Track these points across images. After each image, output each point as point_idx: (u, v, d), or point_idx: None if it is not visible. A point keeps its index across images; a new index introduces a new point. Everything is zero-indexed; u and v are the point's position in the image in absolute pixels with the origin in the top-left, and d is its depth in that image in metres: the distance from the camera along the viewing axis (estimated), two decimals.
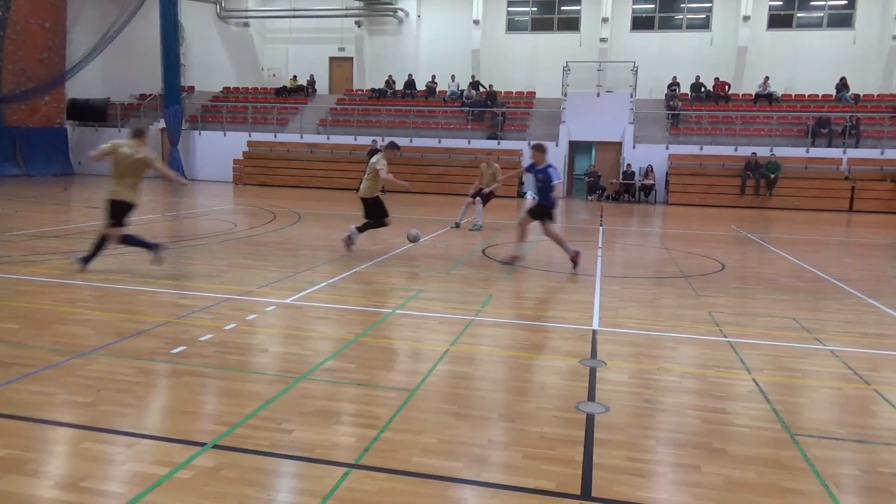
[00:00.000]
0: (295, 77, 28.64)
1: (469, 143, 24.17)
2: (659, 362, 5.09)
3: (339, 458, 3.31)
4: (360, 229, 9.41)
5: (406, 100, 26.69)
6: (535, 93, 26.91)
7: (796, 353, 5.38)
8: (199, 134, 26.23)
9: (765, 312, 6.77)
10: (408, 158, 23.21)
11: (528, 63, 27.71)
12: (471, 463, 3.33)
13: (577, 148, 25.74)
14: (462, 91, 26.31)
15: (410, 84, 27.15)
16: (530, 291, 7.64)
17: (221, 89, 28.84)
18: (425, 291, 7.24)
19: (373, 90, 27.40)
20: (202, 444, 3.37)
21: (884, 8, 25.19)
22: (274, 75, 29.84)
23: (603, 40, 26.78)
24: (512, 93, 26.88)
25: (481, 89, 26.12)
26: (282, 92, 27.88)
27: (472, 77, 26.81)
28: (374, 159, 9.25)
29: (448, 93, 26.52)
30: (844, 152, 21.79)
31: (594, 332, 5.80)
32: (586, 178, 24.36)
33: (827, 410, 4.24)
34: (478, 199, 13.00)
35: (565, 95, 23.88)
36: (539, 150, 8.93)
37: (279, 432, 3.57)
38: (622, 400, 4.24)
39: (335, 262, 8.71)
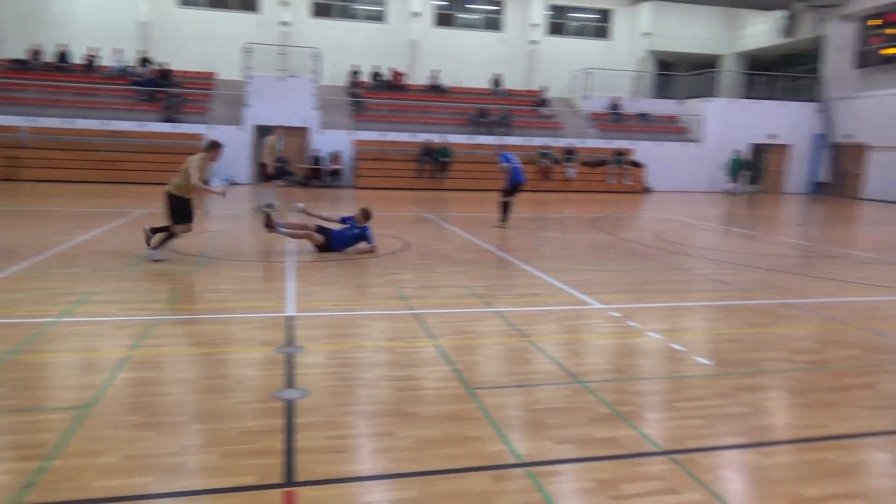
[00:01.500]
0: None
1: (141, 125, 21.90)
2: (353, 340, 5.30)
3: None
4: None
5: (59, 74, 23.07)
6: (215, 74, 25.54)
7: (471, 318, 6.06)
8: None
9: (444, 284, 7.49)
10: (64, 142, 20.22)
11: (206, 41, 26.16)
12: (162, 475, 3.07)
13: (263, 133, 25.16)
14: (129, 67, 23.72)
15: (64, 56, 23.55)
16: (220, 283, 7.29)
17: None
18: (97, 293, 6.41)
19: (12, 61, 23.13)
20: None
21: (523, 15, 29.61)
22: None
23: (284, 24, 26.54)
24: (189, 72, 25.11)
25: (151, 66, 23.86)
26: None
27: (140, 52, 24.34)
28: (190, 158, 8.00)
29: (112, 68, 23.67)
30: (499, 139, 25.06)
31: (290, 318, 5.78)
32: (276, 164, 24.00)
33: (496, 364, 4.87)
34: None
35: (249, 78, 23.12)
36: (366, 216, 9.44)
37: None
38: (321, 381, 4.31)
39: None
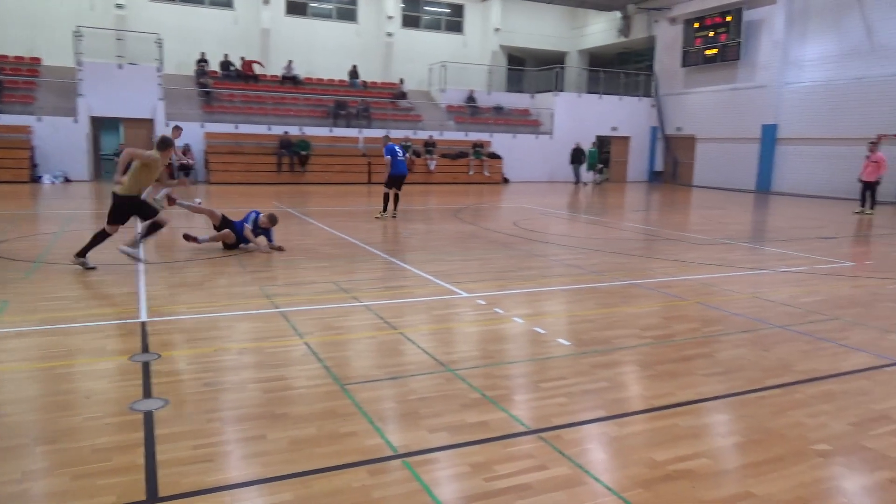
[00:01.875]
0: None
1: None
2: (216, 343, 5.05)
3: None
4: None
5: None
6: (40, 59, 23.15)
7: (339, 313, 5.98)
8: None
9: (309, 280, 7.33)
10: None
11: (29, 24, 23.61)
12: None
13: (102, 125, 23.18)
14: None
15: None
16: (61, 290, 6.64)
17: None
18: None
19: None
20: None
21: (378, 7, 29.50)
22: None
23: (119, 6, 24.55)
24: (8, 57, 22.57)
25: None
26: None
27: None
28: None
29: None
30: (360, 132, 24.89)
31: (143, 324, 5.40)
32: (115, 159, 22.23)
33: (367, 358, 4.85)
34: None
35: (80, 65, 21.14)
36: (273, 221, 9.19)
37: None
38: (182, 389, 4.07)
39: None
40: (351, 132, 24.78)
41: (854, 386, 4.43)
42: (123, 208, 7.48)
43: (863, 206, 16.70)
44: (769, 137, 24.60)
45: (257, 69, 25.83)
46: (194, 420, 3.62)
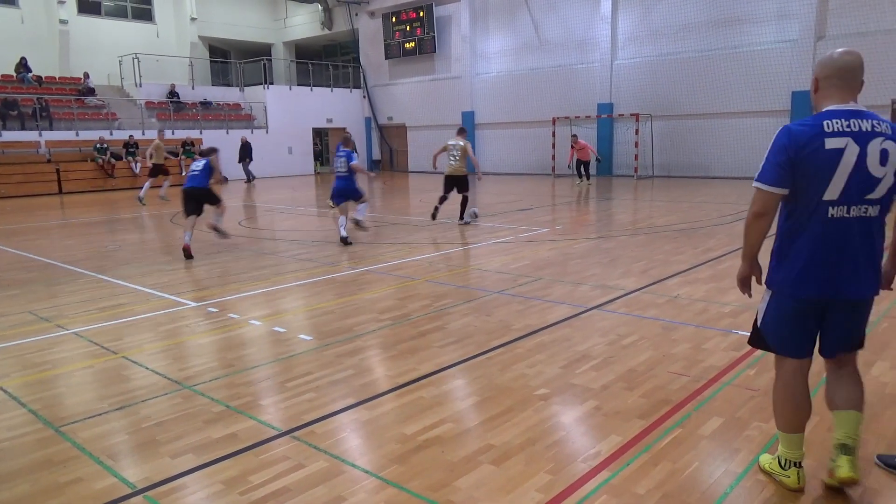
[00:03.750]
0: None
1: None
2: None
3: None
4: None
5: None
6: None
7: (41, 346, 5.16)
8: None
9: None
10: None
11: None
12: None
13: None
14: None
15: None
16: None
17: None
18: None
19: None
20: None
21: None
22: None
23: None
24: None
25: None
26: None
27: None
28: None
29: None
30: (41, 135, 21.53)
31: None
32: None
33: (85, 391, 4.26)
34: None
35: None
36: None
37: None
38: None
39: None
40: (29, 135, 21.30)
41: (559, 334, 5.15)
42: None
43: (580, 178, 19.70)
44: (469, 123, 27.08)
45: None
46: None
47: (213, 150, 9.27)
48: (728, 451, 3.21)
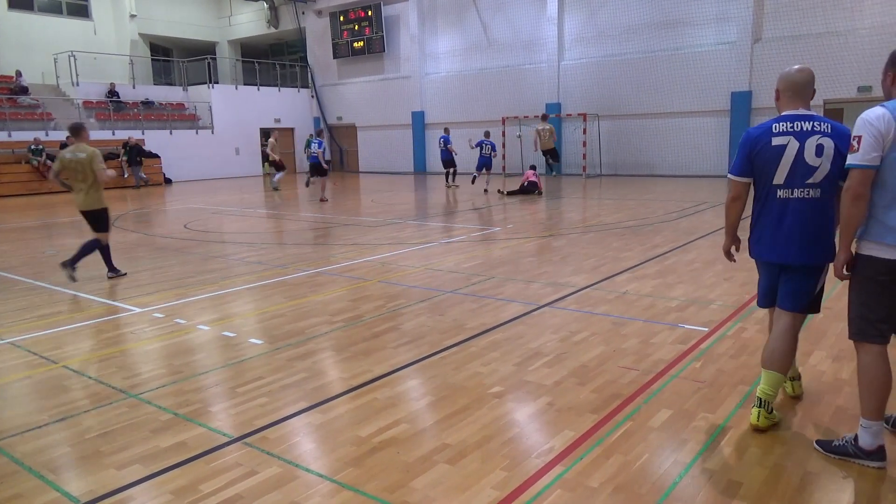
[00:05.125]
0: None
1: None
2: None
3: None
4: None
5: None
6: None
7: None
8: None
9: None
10: None
11: None
12: None
13: None
14: None
15: None
16: None
17: None
18: None
19: None
20: None
21: None
22: None
23: None
24: None
25: None
26: None
27: None
28: None
29: None
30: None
31: None
32: None
33: (23, 403, 4.09)
34: None
35: None
36: None
37: None
38: None
39: None
40: None
41: (513, 332, 5.19)
42: None
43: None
44: (419, 123, 27.06)
45: None
46: None
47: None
48: (676, 442, 3.30)
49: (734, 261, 3.70)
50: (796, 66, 3.36)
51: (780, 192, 3.28)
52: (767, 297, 3.58)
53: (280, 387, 4.17)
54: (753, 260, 3.57)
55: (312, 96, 30.80)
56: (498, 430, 3.49)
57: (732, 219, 3.54)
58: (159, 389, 4.18)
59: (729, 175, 3.51)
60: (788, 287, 3.41)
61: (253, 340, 5.17)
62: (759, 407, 3.35)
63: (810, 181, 3.22)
